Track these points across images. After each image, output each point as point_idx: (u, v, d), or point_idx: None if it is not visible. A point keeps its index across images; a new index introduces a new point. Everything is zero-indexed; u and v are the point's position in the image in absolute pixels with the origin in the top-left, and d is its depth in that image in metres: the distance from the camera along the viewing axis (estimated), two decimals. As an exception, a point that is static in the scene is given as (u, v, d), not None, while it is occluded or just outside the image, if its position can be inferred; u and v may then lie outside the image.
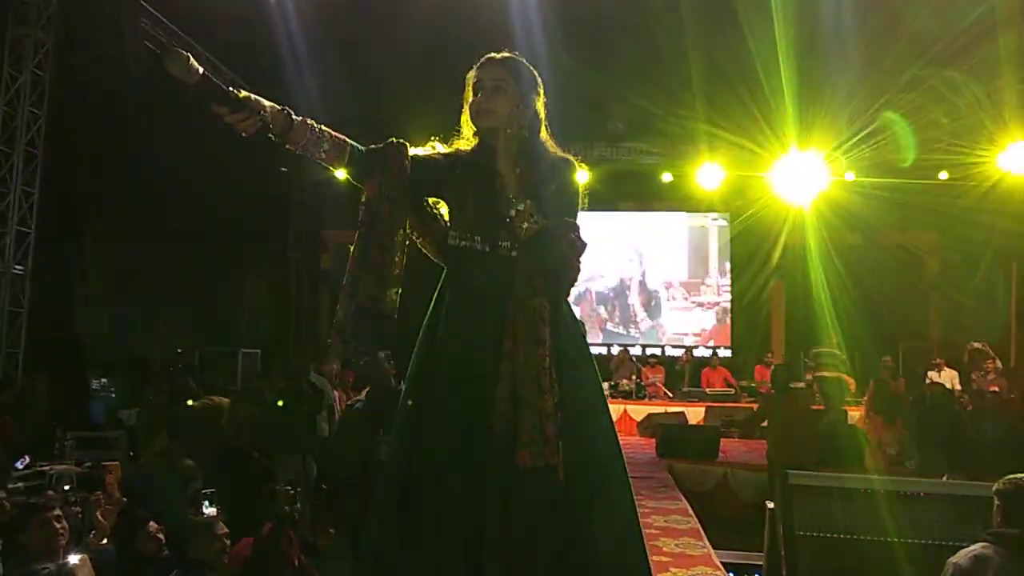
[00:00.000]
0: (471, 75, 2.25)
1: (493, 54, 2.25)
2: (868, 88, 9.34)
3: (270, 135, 2.04)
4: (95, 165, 9.29)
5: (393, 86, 10.06)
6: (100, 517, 4.26)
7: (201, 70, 1.90)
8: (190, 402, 6.28)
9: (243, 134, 1.99)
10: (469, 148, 2.24)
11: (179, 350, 7.87)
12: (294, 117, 2.04)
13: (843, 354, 9.96)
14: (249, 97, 1.97)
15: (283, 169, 12.81)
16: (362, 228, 2.11)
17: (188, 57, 1.87)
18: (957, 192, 11.06)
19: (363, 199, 2.15)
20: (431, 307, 2.21)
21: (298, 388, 6.03)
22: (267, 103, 2.01)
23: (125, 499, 4.51)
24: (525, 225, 2.04)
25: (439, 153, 2.27)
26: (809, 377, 9.98)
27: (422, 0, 8.40)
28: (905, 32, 8.33)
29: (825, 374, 9.19)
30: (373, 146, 2.18)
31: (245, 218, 11.98)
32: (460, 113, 2.31)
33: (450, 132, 2.36)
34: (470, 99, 2.24)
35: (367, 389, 4.58)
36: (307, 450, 5.49)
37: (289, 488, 3.82)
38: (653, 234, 13.91)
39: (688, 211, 13.42)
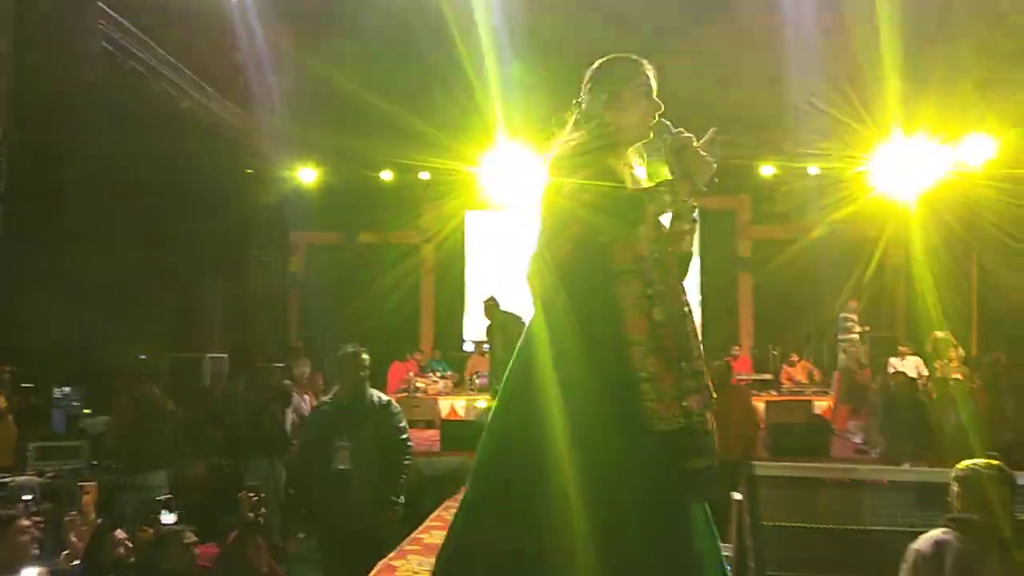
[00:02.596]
0: (650, 72, 2.27)
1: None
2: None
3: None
4: (55, 169, 9.10)
5: (356, 85, 9.98)
6: (75, 539, 4.17)
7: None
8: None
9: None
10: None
11: (142, 356, 7.73)
12: None
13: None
14: None
15: (248, 171, 12.67)
16: None
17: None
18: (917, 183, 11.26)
19: None
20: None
21: (265, 392, 5.96)
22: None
23: (100, 520, 4.40)
24: None
25: None
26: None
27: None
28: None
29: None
30: None
31: (211, 221, 11.82)
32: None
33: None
34: (648, 103, 2.24)
35: (335, 389, 4.46)
36: (274, 453, 5.44)
37: (253, 495, 3.76)
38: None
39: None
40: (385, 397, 4.37)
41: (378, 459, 4.15)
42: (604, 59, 2.30)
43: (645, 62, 2.26)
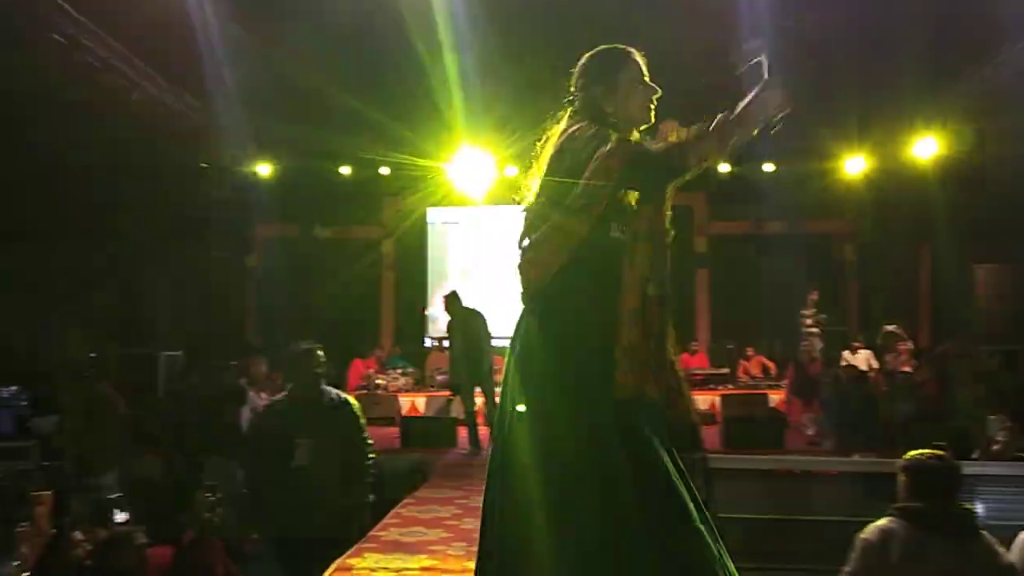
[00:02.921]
0: (640, 60, 2.27)
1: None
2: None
3: None
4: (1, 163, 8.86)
5: (315, 77, 9.86)
6: (26, 550, 4.06)
7: None
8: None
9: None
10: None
11: (92, 354, 7.55)
12: None
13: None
14: None
15: (203, 165, 12.45)
16: None
17: None
18: (869, 180, 11.53)
19: None
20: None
21: (219, 390, 5.88)
22: None
23: (55, 530, 4.27)
24: None
25: None
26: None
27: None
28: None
29: None
30: None
31: (165, 216, 11.60)
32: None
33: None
34: (644, 88, 2.25)
35: (289, 387, 4.36)
36: (230, 452, 5.36)
37: (209, 494, 3.70)
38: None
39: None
40: (343, 395, 4.31)
41: (338, 458, 4.09)
42: (591, 53, 2.31)
43: (632, 49, 2.27)
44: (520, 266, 2.18)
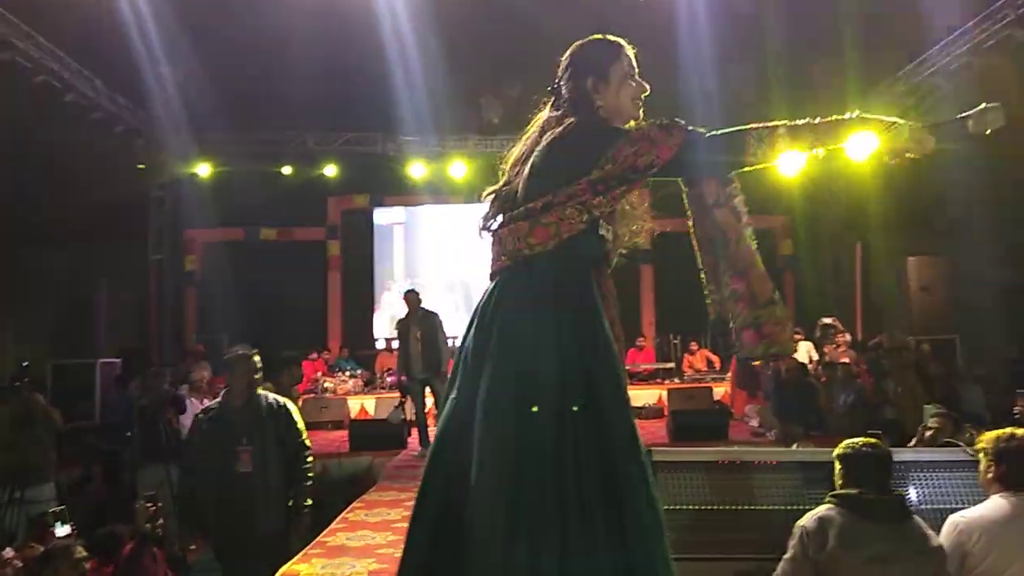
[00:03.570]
0: (632, 54, 2.19)
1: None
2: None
3: None
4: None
5: (255, 70, 9.69)
6: None
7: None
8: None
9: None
10: None
11: (25, 363, 7.28)
12: None
13: None
14: None
15: (140, 166, 12.13)
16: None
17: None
18: (805, 178, 11.83)
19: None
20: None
21: (157, 397, 5.73)
22: None
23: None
24: None
25: None
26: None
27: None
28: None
29: None
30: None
31: (100, 219, 11.26)
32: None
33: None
34: (635, 84, 2.17)
35: (223, 393, 4.28)
36: (168, 461, 5.24)
37: (149, 504, 3.61)
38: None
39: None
40: (281, 399, 4.28)
41: (279, 461, 4.06)
42: (583, 41, 2.21)
43: (624, 42, 2.20)
44: (515, 229, 2.05)
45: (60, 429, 7.07)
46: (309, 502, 4.18)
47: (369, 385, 11.38)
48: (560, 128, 2.10)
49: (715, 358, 11.80)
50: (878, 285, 12.16)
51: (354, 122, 11.85)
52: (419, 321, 7.71)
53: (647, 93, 2.18)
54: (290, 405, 4.26)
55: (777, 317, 2.08)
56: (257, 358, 4.18)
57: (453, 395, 2.07)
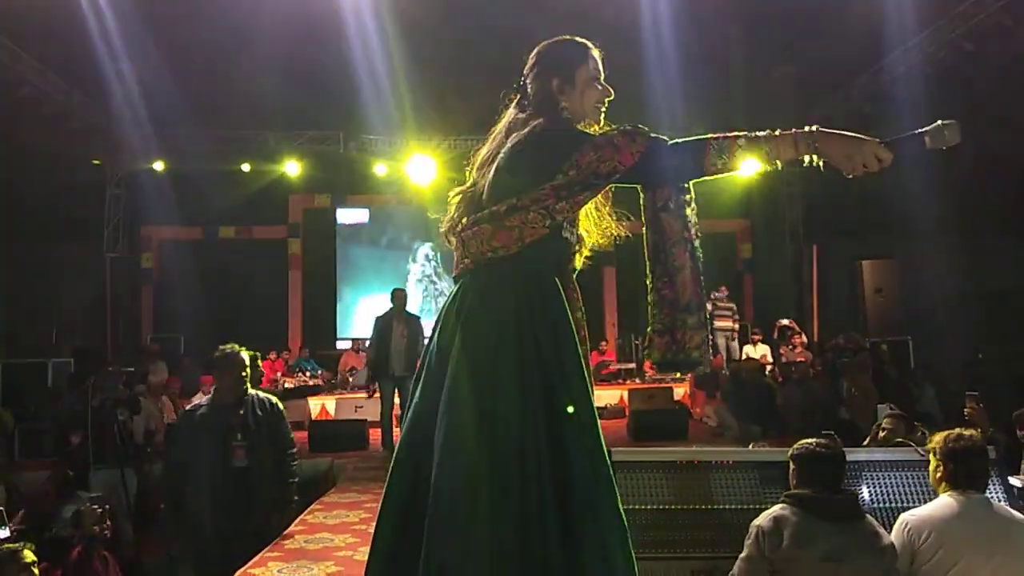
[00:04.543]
0: (598, 57, 2.18)
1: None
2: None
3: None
4: None
5: (217, 67, 9.54)
6: None
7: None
8: None
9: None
10: None
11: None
12: None
13: None
14: None
15: (95, 161, 11.87)
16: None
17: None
18: (763, 182, 12.05)
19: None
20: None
21: (111, 398, 5.61)
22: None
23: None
24: None
25: None
26: None
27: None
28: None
29: None
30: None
31: (53, 215, 11.00)
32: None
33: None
34: (600, 88, 2.17)
35: (214, 389, 4.33)
36: (123, 463, 5.14)
37: (96, 507, 3.54)
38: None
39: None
40: (272, 398, 4.38)
41: (269, 458, 4.18)
42: (551, 41, 2.20)
43: (591, 45, 2.19)
44: (479, 232, 2.03)
45: (10, 430, 6.89)
46: (295, 499, 4.37)
47: (331, 385, 11.28)
48: (526, 130, 2.09)
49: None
50: (834, 287, 12.40)
51: (316, 121, 11.73)
52: (405, 320, 7.72)
53: (611, 98, 2.18)
54: (277, 401, 4.37)
55: (689, 325, 2.07)
56: (245, 356, 4.25)
57: (417, 397, 2.06)
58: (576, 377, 1.98)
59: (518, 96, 2.22)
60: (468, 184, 2.22)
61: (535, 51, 2.21)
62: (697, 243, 2.11)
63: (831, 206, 11.18)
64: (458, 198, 2.21)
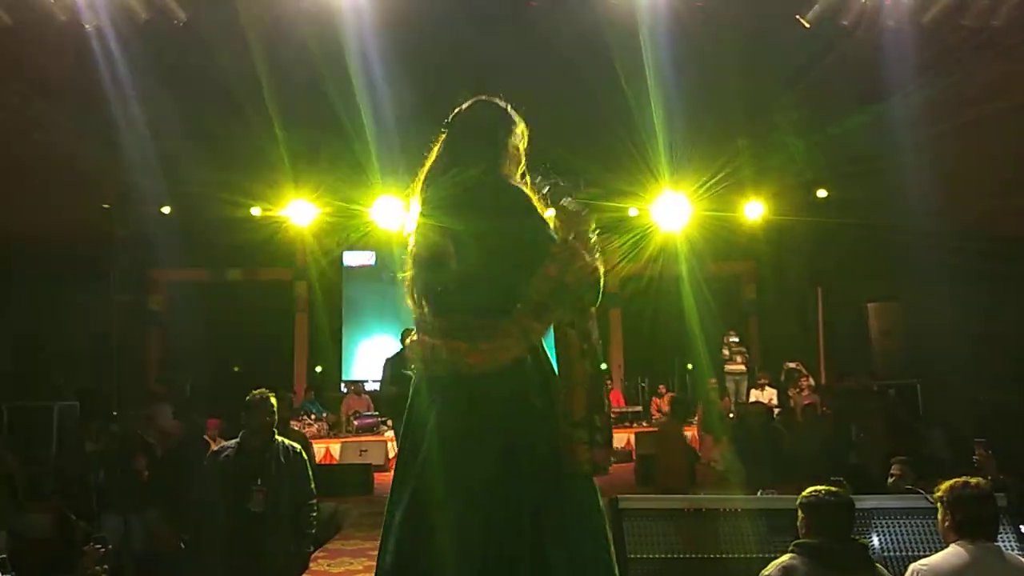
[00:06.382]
0: (522, 128, 2.31)
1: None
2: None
3: None
4: None
5: (225, 107, 9.68)
6: None
7: None
8: None
9: None
10: None
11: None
12: None
13: None
14: None
15: (105, 206, 11.99)
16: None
17: None
18: (768, 225, 12.13)
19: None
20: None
21: (121, 442, 5.60)
22: None
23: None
24: None
25: None
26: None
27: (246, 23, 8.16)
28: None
29: None
30: None
31: (62, 257, 11.08)
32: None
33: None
34: (522, 157, 2.31)
35: (241, 433, 4.36)
36: (129, 510, 5.11)
37: (99, 547, 3.55)
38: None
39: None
40: (297, 446, 4.42)
41: (290, 506, 4.21)
42: (478, 103, 2.29)
43: (518, 118, 2.30)
44: (449, 345, 2.15)
45: (14, 473, 6.85)
46: (312, 549, 4.37)
47: (334, 428, 11.23)
48: (490, 209, 2.16)
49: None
50: (840, 329, 12.36)
51: (326, 167, 11.86)
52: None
53: (523, 169, 2.28)
54: (305, 453, 4.44)
55: (575, 439, 2.09)
56: (274, 400, 4.33)
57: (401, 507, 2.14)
58: (552, 485, 2.09)
59: (446, 133, 2.33)
60: (423, 247, 2.36)
61: (469, 105, 2.31)
62: (599, 351, 2.21)
63: (837, 247, 11.21)
64: (411, 257, 2.39)
